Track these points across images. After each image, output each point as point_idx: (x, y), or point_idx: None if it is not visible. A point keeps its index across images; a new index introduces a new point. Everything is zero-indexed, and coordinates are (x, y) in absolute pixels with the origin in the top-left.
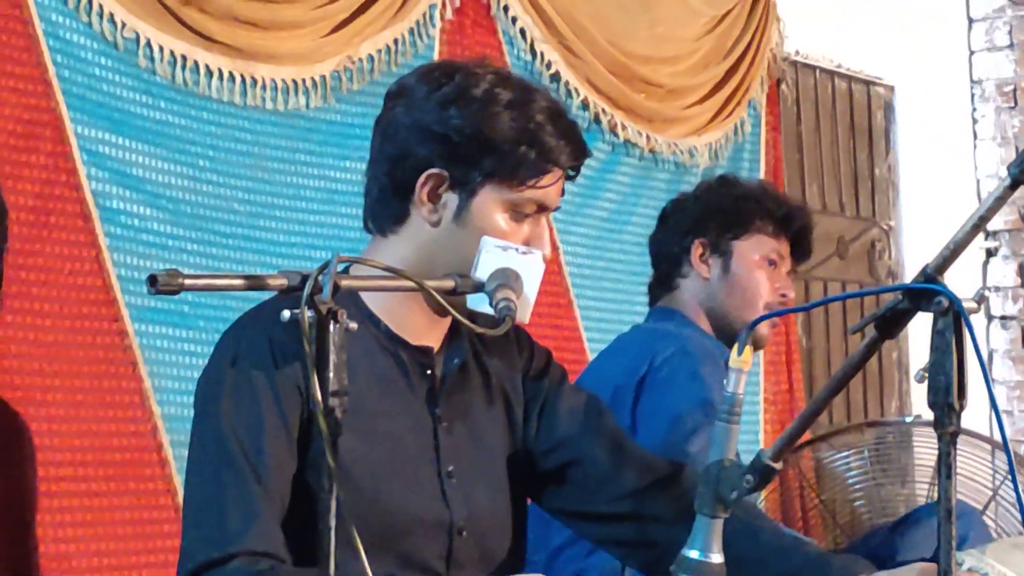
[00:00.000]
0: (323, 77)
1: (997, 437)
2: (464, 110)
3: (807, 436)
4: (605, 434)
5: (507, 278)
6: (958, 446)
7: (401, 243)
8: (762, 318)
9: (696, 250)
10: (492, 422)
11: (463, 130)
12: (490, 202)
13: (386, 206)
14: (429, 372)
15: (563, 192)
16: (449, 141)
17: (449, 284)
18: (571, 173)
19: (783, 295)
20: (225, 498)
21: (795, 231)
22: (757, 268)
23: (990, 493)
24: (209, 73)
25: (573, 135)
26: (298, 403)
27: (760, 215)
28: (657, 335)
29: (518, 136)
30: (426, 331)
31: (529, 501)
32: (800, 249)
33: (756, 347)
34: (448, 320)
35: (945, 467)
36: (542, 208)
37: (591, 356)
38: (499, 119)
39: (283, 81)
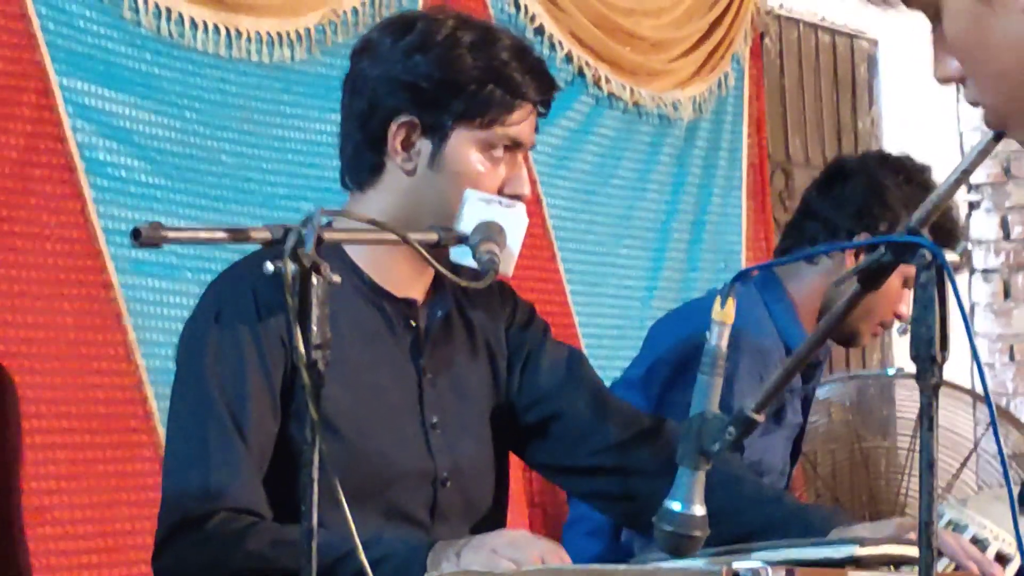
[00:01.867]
0: (307, 30)
1: (979, 390)
2: (428, 55)
3: None
4: (587, 388)
5: (490, 231)
6: (940, 399)
7: (380, 196)
8: (743, 272)
9: (847, 255)
10: (476, 374)
11: (430, 75)
12: (463, 144)
13: (361, 160)
14: (413, 324)
15: (537, 128)
16: (417, 88)
17: (432, 237)
18: (542, 110)
19: (897, 315)
20: (208, 453)
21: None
22: (895, 291)
23: (971, 445)
24: (194, 25)
25: (539, 69)
26: (282, 357)
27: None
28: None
29: (484, 75)
30: (410, 283)
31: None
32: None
33: (853, 345)
34: (432, 272)
35: (927, 419)
36: (516, 145)
37: (574, 309)
38: (464, 60)
39: (267, 33)
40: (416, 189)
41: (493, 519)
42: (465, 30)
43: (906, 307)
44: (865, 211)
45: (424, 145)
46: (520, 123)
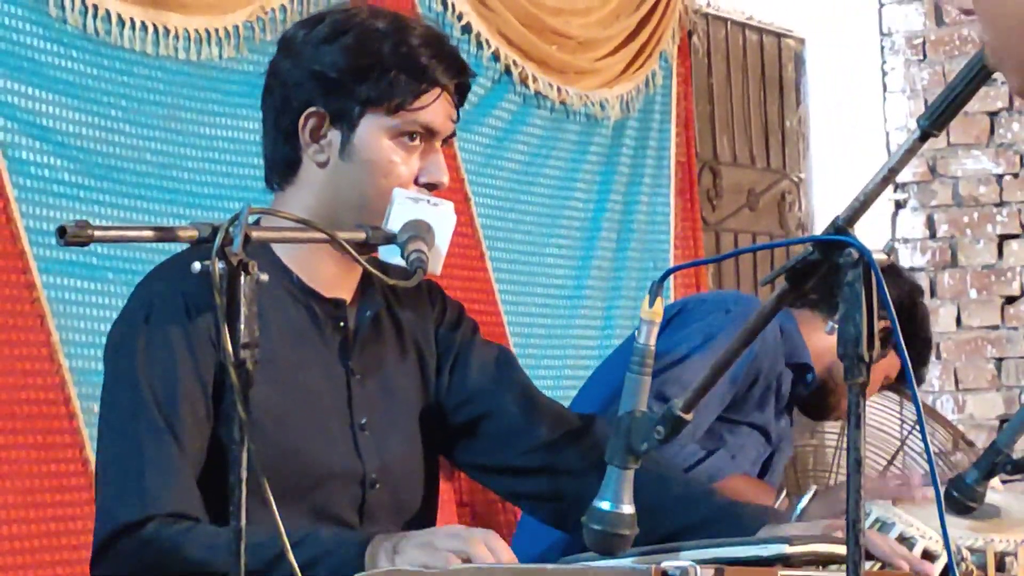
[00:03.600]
0: (235, 27)
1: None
2: (336, 44)
3: None
4: (516, 387)
5: (418, 230)
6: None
7: (299, 193)
8: (671, 270)
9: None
10: (405, 375)
11: (335, 63)
12: (373, 131)
13: (278, 157)
14: (342, 324)
15: (457, 119)
16: (324, 77)
17: (360, 236)
18: (455, 97)
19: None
20: (142, 457)
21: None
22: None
23: (898, 443)
24: (121, 22)
25: (448, 53)
26: (212, 356)
27: None
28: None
29: (389, 60)
30: (338, 283)
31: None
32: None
33: (826, 418)
34: (360, 272)
35: (854, 417)
36: (430, 132)
37: (503, 308)
38: (370, 47)
39: (195, 31)
40: (331, 182)
41: (423, 519)
42: (376, 19)
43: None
44: None
45: (334, 135)
46: (430, 107)
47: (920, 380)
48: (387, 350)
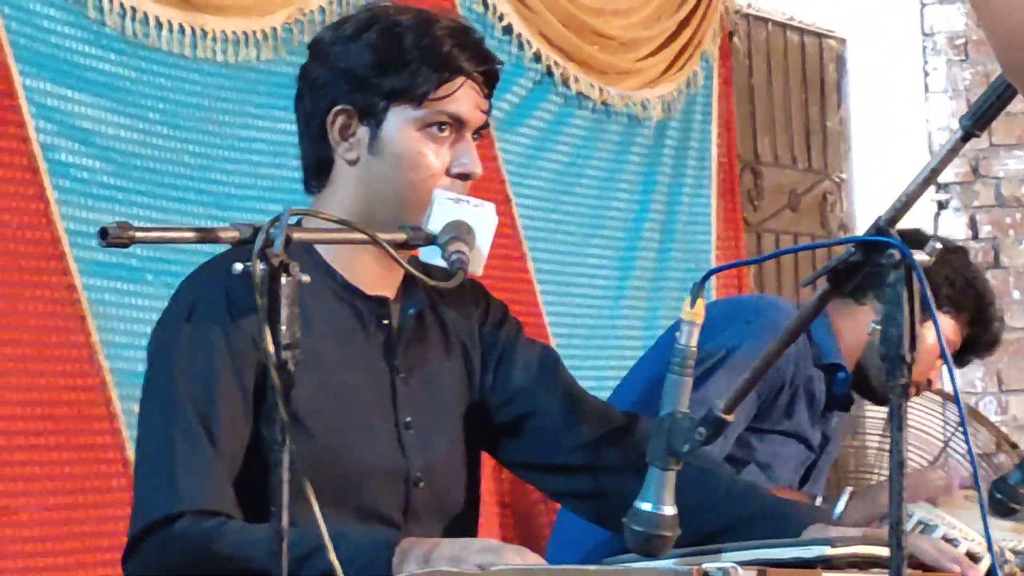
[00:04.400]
0: (273, 29)
1: (948, 389)
2: (361, 41)
3: None
4: (560, 386)
5: (459, 231)
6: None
7: (335, 193)
8: (712, 271)
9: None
10: (449, 373)
11: (360, 60)
12: (400, 125)
13: (311, 159)
14: (386, 322)
15: (487, 109)
16: (349, 74)
17: (401, 237)
18: (484, 87)
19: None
20: (176, 456)
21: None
22: (931, 356)
23: (941, 445)
24: (159, 25)
25: (471, 42)
26: (254, 358)
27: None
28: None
29: (413, 53)
30: (381, 281)
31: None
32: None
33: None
34: (402, 270)
35: (897, 419)
36: (459, 122)
37: (544, 310)
38: (394, 42)
39: (233, 33)
40: (363, 179)
41: (465, 519)
42: (400, 15)
43: (936, 375)
44: None
45: (363, 132)
46: (455, 96)
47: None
48: (431, 348)
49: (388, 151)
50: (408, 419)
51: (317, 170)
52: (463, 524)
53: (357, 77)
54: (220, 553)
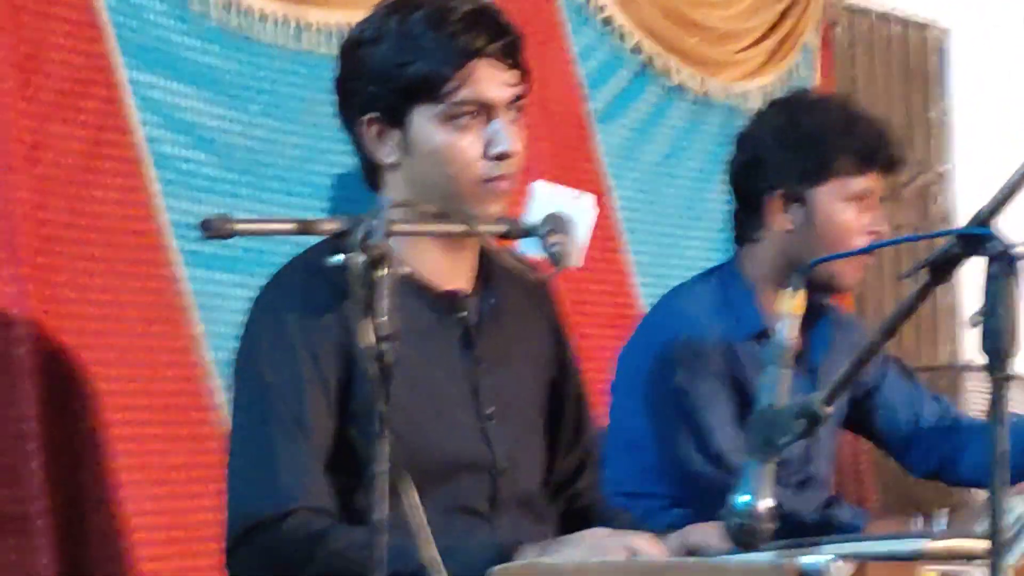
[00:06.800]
0: None
1: None
2: (377, 45)
3: None
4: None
5: (558, 222)
6: (1010, 391)
7: (388, 195)
8: (811, 264)
9: (773, 204)
10: (526, 364)
11: (378, 65)
12: (425, 123)
13: (363, 164)
14: (463, 315)
15: (519, 80)
16: (371, 81)
17: (500, 228)
18: (508, 60)
19: (873, 232)
20: (274, 454)
21: (882, 159)
22: (842, 213)
23: None
24: (262, 18)
25: (481, 20)
26: (338, 355)
27: (838, 153)
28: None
29: (422, 51)
30: (453, 274)
31: None
32: (891, 170)
33: (841, 291)
34: (472, 263)
35: (997, 411)
36: (484, 106)
37: (641, 302)
38: (406, 43)
39: (335, 25)
40: (407, 180)
41: (544, 511)
42: (416, 10)
43: (868, 220)
44: (767, 175)
45: (395, 136)
46: (471, 81)
47: None
48: (508, 340)
49: (421, 151)
50: (490, 410)
51: (369, 176)
52: (543, 515)
53: (377, 84)
54: (333, 553)
